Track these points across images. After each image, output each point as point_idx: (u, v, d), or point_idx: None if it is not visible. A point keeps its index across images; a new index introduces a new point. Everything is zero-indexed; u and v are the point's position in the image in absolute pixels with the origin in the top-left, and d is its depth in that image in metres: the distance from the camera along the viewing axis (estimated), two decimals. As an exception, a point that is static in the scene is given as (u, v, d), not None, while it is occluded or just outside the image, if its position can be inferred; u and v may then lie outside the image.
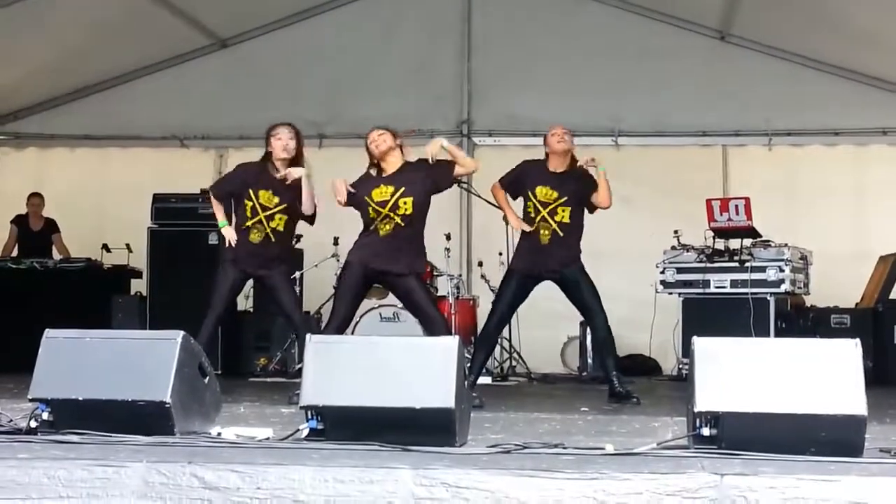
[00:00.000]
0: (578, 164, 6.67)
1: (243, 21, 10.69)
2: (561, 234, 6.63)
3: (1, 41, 9.39)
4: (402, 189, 6.12)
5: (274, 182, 6.48)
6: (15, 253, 10.02)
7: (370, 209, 6.15)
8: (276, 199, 6.48)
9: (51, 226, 10.13)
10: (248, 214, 6.49)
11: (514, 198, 6.95)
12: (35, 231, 10.11)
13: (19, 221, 10.16)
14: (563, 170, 6.71)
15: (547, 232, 6.63)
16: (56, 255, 9.97)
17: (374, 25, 10.61)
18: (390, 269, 6.23)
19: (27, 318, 8.43)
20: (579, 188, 6.68)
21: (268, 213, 6.48)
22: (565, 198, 6.61)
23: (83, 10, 9.20)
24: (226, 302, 6.72)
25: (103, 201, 10.45)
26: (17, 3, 8.74)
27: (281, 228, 6.55)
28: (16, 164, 11.18)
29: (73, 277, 9.58)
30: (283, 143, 6.52)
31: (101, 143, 10.92)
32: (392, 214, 6.12)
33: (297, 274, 7.37)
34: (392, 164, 6.25)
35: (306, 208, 6.49)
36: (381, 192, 6.15)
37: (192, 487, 3.26)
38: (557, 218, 6.60)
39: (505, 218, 6.96)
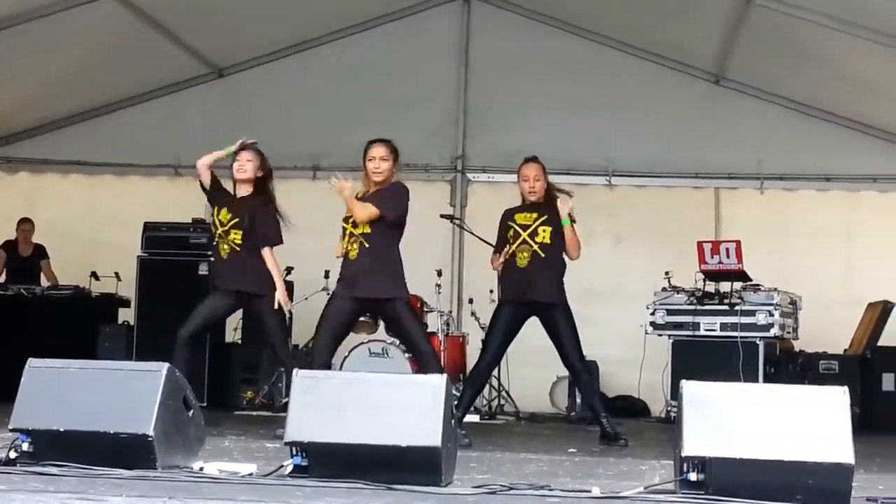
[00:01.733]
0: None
1: (240, 51, 10.73)
2: (542, 255, 6.49)
3: (-2, 64, 9.42)
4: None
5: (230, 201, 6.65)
6: (2, 279, 10.00)
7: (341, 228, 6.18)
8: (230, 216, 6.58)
9: (40, 252, 10.11)
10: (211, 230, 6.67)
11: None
12: (24, 257, 10.09)
13: (7, 247, 10.14)
14: (540, 202, 6.67)
15: (526, 254, 6.51)
16: (44, 282, 9.95)
17: (369, 59, 10.65)
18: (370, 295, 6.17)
19: (13, 345, 8.41)
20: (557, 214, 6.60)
21: (224, 229, 6.56)
22: (545, 216, 6.53)
23: (79, 34, 9.22)
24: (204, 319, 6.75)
25: (94, 228, 10.41)
26: (13, 27, 8.76)
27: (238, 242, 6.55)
28: (6, 188, 11.14)
29: (61, 305, 9.57)
30: (238, 164, 6.64)
31: (93, 170, 10.92)
32: (355, 231, 6.09)
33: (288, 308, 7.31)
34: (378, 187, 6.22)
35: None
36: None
37: (172, 523, 3.22)
38: (538, 238, 6.50)
39: None
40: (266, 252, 6.57)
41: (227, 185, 6.84)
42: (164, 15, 9.42)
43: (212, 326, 7.19)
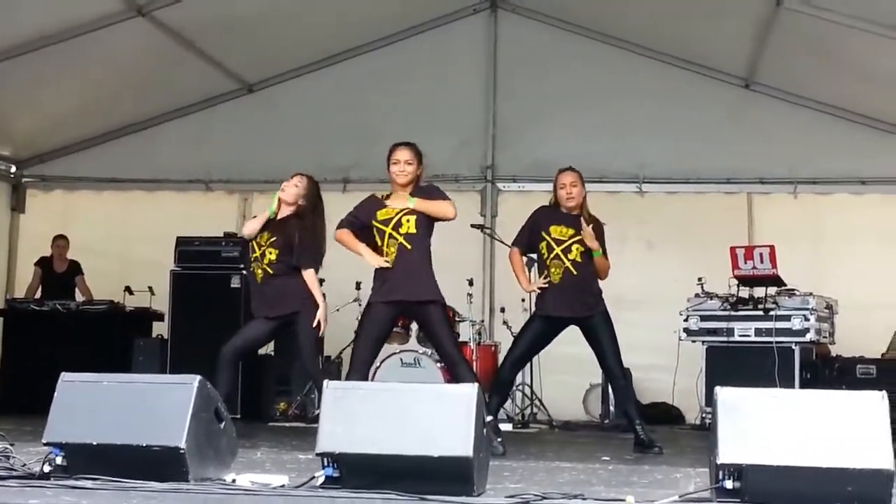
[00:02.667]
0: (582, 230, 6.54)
1: (270, 66, 10.78)
2: (574, 273, 6.50)
3: (29, 85, 9.52)
4: (406, 210, 6.03)
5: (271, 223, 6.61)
6: (38, 294, 10.07)
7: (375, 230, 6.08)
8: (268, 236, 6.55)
9: (75, 268, 10.17)
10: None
11: (532, 251, 6.86)
12: (59, 273, 10.16)
13: (43, 263, 10.21)
14: (577, 213, 6.64)
15: (559, 270, 6.51)
16: (79, 297, 10.01)
17: (397, 71, 10.66)
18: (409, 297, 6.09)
19: (49, 360, 8.45)
20: (597, 232, 6.61)
21: (261, 251, 6.54)
22: (580, 236, 6.52)
23: (111, 53, 9.31)
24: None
25: (127, 244, 10.48)
26: (46, 48, 8.85)
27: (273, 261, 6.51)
28: (41, 206, 11.28)
29: (96, 320, 9.61)
30: (285, 184, 6.63)
31: (126, 186, 11.02)
32: (395, 234, 6.00)
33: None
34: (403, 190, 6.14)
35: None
36: (386, 213, 6.06)
37: (205, 535, 3.22)
38: (571, 256, 6.49)
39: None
40: (307, 275, 6.51)
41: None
42: (194, 33, 9.51)
43: (253, 350, 7.17)
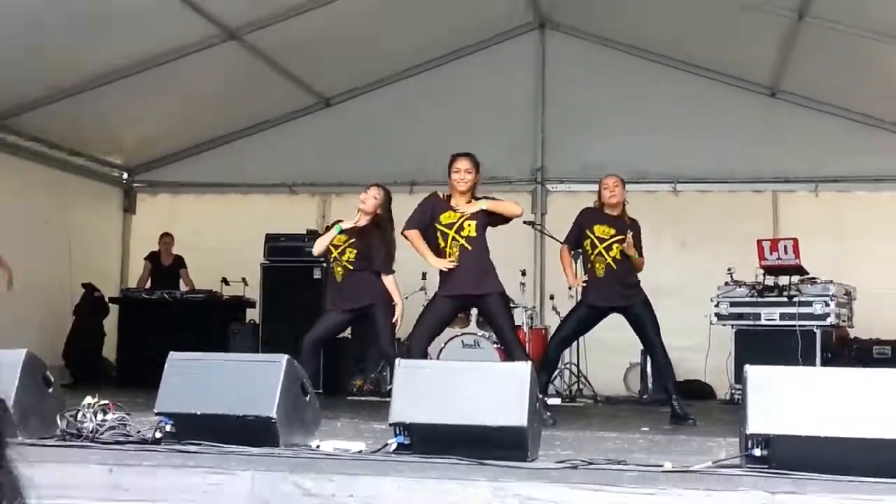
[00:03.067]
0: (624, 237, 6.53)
1: (345, 83, 10.83)
2: (615, 268, 6.53)
3: (137, 102, 9.65)
4: (468, 214, 6.03)
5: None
6: (148, 285, 10.24)
7: (438, 232, 6.07)
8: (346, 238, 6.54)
9: (179, 262, 10.32)
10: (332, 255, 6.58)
11: (579, 246, 6.84)
12: (165, 266, 10.31)
13: (152, 258, 10.38)
14: (618, 214, 6.65)
15: (602, 265, 6.55)
16: (183, 287, 10.15)
17: (456, 84, 10.66)
18: (473, 291, 6.09)
19: (157, 342, 8.60)
20: (634, 230, 6.64)
21: (339, 250, 6.52)
22: (621, 235, 6.51)
23: (207, 73, 9.42)
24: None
25: (223, 240, 10.57)
26: (151, 69, 8.99)
27: (352, 260, 6.49)
28: (149, 208, 11.47)
29: (197, 307, 9.75)
30: (364, 196, 6.60)
31: (222, 190, 11.15)
32: (458, 236, 6.01)
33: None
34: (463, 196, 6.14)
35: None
36: (449, 216, 6.06)
37: (293, 494, 3.26)
38: (612, 253, 6.51)
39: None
40: (388, 280, 6.52)
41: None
42: (278, 54, 9.58)
43: (331, 338, 7.19)
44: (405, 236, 6.20)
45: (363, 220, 6.58)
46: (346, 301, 6.55)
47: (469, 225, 5.99)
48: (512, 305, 8.84)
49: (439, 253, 6.04)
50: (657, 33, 9.96)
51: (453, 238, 6.00)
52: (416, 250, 6.18)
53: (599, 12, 10.03)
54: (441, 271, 6.07)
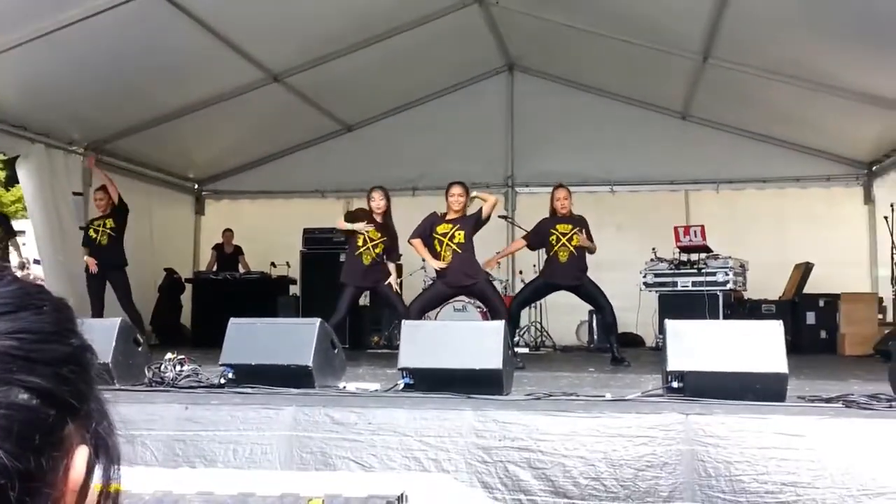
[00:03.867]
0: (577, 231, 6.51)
1: (363, 112, 10.76)
2: (575, 254, 6.50)
3: (205, 130, 9.63)
4: (458, 225, 6.06)
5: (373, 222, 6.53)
6: (214, 268, 10.21)
7: (435, 240, 6.10)
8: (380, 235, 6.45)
9: (238, 250, 10.28)
10: (360, 244, 6.40)
11: (539, 247, 6.83)
12: (228, 254, 10.26)
13: (217, 248, 10.34)
14: (569, 214, 6.61)
15: (565, 253, 6.50)
16: (241, 270, 10.12)
17: (447, 113, 10.58)
18: (463, 283, 6.12)
19: (222, 311, 8.55)
20: (583, 224, 6.62)
21: (374, 243, 6.45)
22: (577, 228, 6.50)
23: (257, 108, 9.36)
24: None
25: (271, 234, 10.53)
26: (215, 105, 8.94)
27: (380, 252, 6.43)
28: (215, 210, 11.41)
29: (252, 284, 9.70)
30: (374, 203, 6.48)
31: (271, 196, 11.07)
32: (450, 243, 6.04)
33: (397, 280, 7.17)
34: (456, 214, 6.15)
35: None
36: (444, 227, 6.10)
37: (325, 423, 3.25)
38: (573, 243, 6.47)
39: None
40: (392, 264, 6.60)
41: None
42: (311, 92, 9.52)
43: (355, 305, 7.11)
44: (410, 243, 6.25)
45: (378, 218, 6.53)
46: (369, 281, 6.46)
47: (459, 234, 6.05)
48: (490, 279, 8.87)
49: (436, 255, 6.10)
50: (598, 73, 9.92)
51: (447, 244, 6.03)
52: (418, 253, 6.27)
53: (555, 58, 9.97)
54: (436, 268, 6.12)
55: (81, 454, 0.55)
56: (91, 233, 7.68)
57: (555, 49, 9.65)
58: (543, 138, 10.45)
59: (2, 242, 7.60)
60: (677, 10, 7.46)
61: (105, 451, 0.58)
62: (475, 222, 6.13)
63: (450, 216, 6.14)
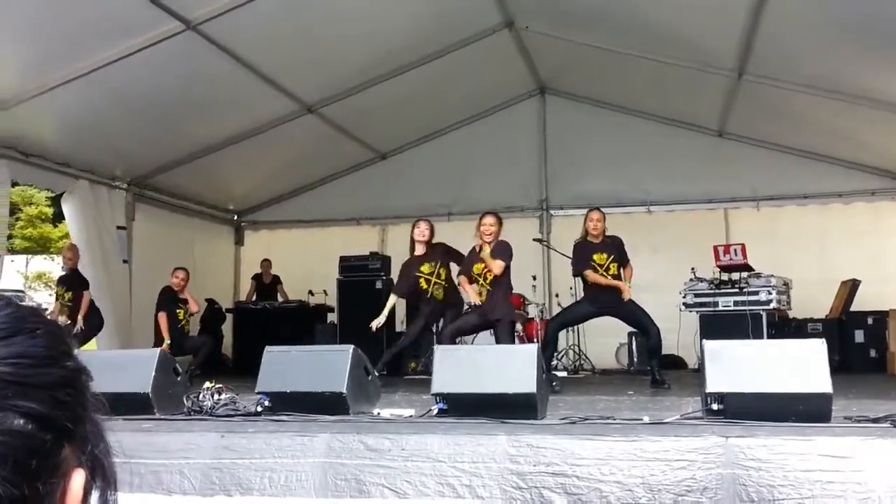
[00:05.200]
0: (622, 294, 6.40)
1: (396, 140, 10.86)
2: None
3: (243, 162, 9.78)
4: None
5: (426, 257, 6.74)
6: (254, 298, 10.33)
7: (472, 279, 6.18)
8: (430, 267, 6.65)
9: (276, 279, 10.40)
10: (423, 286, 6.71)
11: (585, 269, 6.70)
12: (266, 283, 10.39)
13: (256, 277, 10.47)
14: (602, 239, 6.53)
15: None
16: (280, 299, 10.22)
17: (479, 138, 10.62)
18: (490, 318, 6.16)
19: (263, 340, 8.63)
20: (619, 251, 6.52)
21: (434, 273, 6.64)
22: (612, 257, 6.44)
23: (292, 139, 9.50)
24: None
25: (308, 262, 10.63)
26: (251, 138, 9.10)
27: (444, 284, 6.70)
28: (253, 241, 11.57)
29: (291, 313, 9.80)
30: (419, 231, 6.61)
31: (307, 225, 11.19)
32: (484, 283, 6.08)
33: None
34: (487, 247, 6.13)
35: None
36: (477, 268, 6.12)
37: (359, 449, 3.24)
38: (611, 272, 6.40)
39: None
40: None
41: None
42: (344, 122, 9.63)
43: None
44: (459, 283, 6.43)
45: (420, 249, 6.63)
46: (450, 312, 6.81)
47: (490, 273, 6.06)
48: (527, 302, 8.83)
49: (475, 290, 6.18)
50: (630, 93, 9.86)
51: (481, 283, 6.12)
52: (463, 289, 6.39)
53: (586, 79, 9.96)
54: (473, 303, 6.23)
55: (78, 477, 0.56)
56: (180, 315, 7.96)
57: (586, 70, 9.64)
58: (577, 160, 10.41)
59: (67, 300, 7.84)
60: (710, 27, 7.41)
61: (102, 474, 0.58)
62: (506, 256, 6.10)
63: (483, 252, 6.12)
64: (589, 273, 6.47)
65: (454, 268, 6.79)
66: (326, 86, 8.68)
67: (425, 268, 6.66)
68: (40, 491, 0.53)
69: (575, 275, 6.75)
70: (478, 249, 6.17)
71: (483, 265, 6.07)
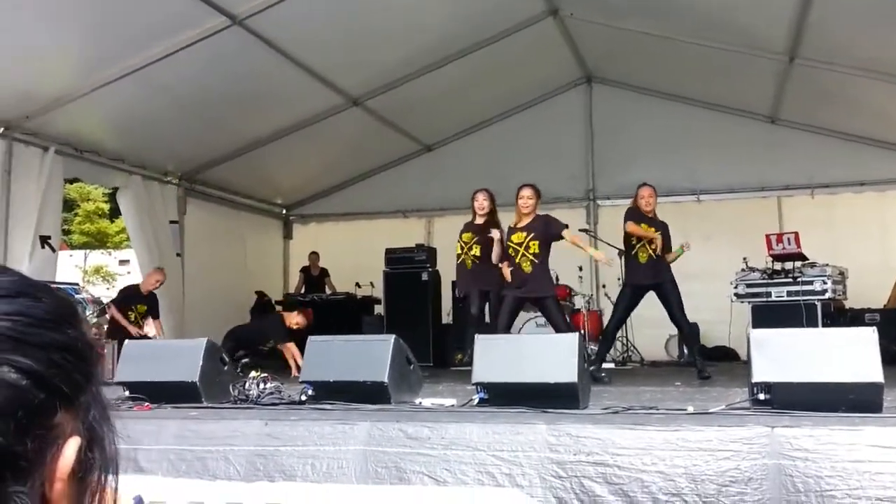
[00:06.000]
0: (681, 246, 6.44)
1: (441, 132, 10.87)
2: (654, 258, 6.35)
3: (291, 155, 9.89)
4: (532, 234, 5.97)
5: (473, 227, 6.59)
6: (303, 290, 10.46)
7: (510, 248, 6.04)
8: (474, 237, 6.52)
9: (324, 272, 10.52)
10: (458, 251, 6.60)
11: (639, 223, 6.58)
12: (314, 276, 10.52)
13: (305, 270, 10.62)
14: (653, 215, 6.46)
15: (644, 254, 6.36)
16: (328, 291, 10.34)
17: (525, 129, 10.55)
18: (537, 294, 6.03)
19: (310, 331, 8.76)
20: (665, 229, 6.42)
21: (468, 245, 6.52)
22: (659, 232, 6.36)
23: (339, 132, 9.59)
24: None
25: (356, 254, 10.70)
26: (299, 131, 9.21)
27: (478, 255, 6.47)
28: (302, 234, 11.71)
29: (339, 305, 9.92)
30: (478, 203, 6.54)
31: (354, 218, 11.28)
32: (526, 253, 5.95)
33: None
34: (527, 217, 6.09)
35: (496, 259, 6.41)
36: (518, 236, 6.02)
37: (399, 438, 3.27)
38: (652, 247, 6.32)
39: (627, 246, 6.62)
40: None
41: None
42: (391, 113, 9.67)
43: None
44: (499, 263, 6.29)
45: (480, 220, 6.58)
46: (480, 283, 6.55)
47: (533, 244, 5.99)
48: (573, 293, 8.75)
49: (513, 264, 6.04)
50: (678, 80, 9.68)
51: (522, 254, 5.99)
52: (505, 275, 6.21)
53: (633, 67, 9.80)
54: (512, 275, 6.06)
55: (72, 444, 0.57)
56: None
57: (633, 58, 9.49)
58: (624, 149, 10.26)
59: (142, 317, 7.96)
60: (759, 10, 7.22)
61: (101, 449, 0.59)
62: (548, 236, 6.02)
63: (521, 223, 6.04)
64: (630, 224, 6.43)
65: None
66: (371, 78, 8.73)
67: (516, 237, 6.50)
68: (28, 445, 0.54)
69: (625, 226, 6.59)
70: (513, 224, 6.13)
71: (524, 236, 5.94)
